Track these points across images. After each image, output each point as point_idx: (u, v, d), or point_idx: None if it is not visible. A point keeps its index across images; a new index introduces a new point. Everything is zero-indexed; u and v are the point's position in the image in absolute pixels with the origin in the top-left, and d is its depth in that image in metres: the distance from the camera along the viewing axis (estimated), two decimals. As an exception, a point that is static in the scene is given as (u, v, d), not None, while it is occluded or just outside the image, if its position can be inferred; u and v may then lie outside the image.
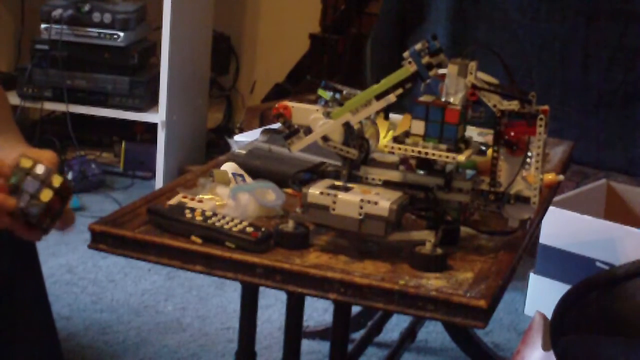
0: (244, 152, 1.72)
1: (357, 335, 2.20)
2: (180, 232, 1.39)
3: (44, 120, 3.80)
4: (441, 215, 1.41)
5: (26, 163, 1.33)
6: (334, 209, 1.36)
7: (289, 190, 1.54)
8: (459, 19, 3.50)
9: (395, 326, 2.57)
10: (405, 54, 1.39)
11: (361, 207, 1.35)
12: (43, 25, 3.52)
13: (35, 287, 1.60)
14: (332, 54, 3.97)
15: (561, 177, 1.72)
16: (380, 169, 1.45)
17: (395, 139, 1.42)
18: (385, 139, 1.64)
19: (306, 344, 2.46)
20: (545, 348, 1.79)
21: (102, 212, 3.20)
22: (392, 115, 1.58)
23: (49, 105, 3.61)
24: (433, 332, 2.63)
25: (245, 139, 1.89)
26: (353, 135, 1.43)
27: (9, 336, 1.55)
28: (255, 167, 1.66)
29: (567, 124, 3.31)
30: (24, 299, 1.58)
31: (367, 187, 1.41)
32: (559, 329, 1.77)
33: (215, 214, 1.41)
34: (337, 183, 1.41)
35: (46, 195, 1.32)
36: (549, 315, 1.80)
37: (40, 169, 1.32)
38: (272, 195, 1.51)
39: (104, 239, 1.40)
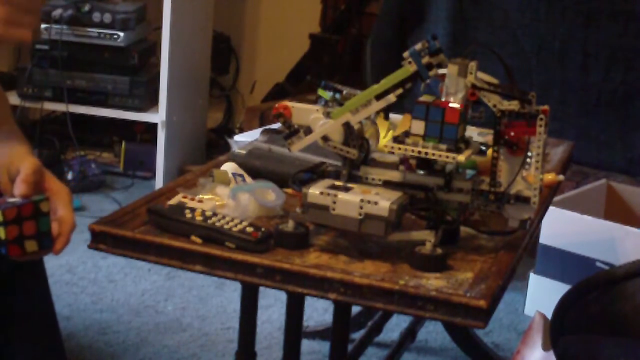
0: (244, 152, 1.71)
1: (357, 335, 2.20)
2: (180, 232, 1.39)
3: (44, 120, 3.80)
4: (441, 215, 1.41)
5: None
6: (334, 209, 1.36)
7: (289, 190, 1.54)
8: (459, 19, 3.50)
9: (395, 326, 2.57)
10: (405, 54, 1.39)
11: (361, 207, 1.35)
12: (43, 25, 3.51)
13: (38, 286, 1.60)
14: (332, 54, 3.97)
15: (561, 177, 1.73)
16: (380, 169, 1.45)
17: (395, 139, 1.42)
18: (385, 139, 1.64)
19: (306, 344, 2.46)
20: (545, 348, 1.79)
21: (102, 212, 3.20)
22: (392, 115, 1.58)
23: (49, 105, 3.61)
24: (433, 332, 2.63)
25: (245, 139, 1.89)
26: (353, 135, 1.43)
27: (12, 335, 1.55)
28: (255, 167, 1.66)
29: (567, 124, 3.31)
30: (26, 298, 1.58)
31: (367, 187, 1.41)
32: (559, 329, 1.77)
33: (215, 214, 1.40)
34: (337, 183, 1.41)
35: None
36: (549, 315, 1.80)
37: None
38: (272, 195, 1.51)
39: (104, 239, 1.40)
